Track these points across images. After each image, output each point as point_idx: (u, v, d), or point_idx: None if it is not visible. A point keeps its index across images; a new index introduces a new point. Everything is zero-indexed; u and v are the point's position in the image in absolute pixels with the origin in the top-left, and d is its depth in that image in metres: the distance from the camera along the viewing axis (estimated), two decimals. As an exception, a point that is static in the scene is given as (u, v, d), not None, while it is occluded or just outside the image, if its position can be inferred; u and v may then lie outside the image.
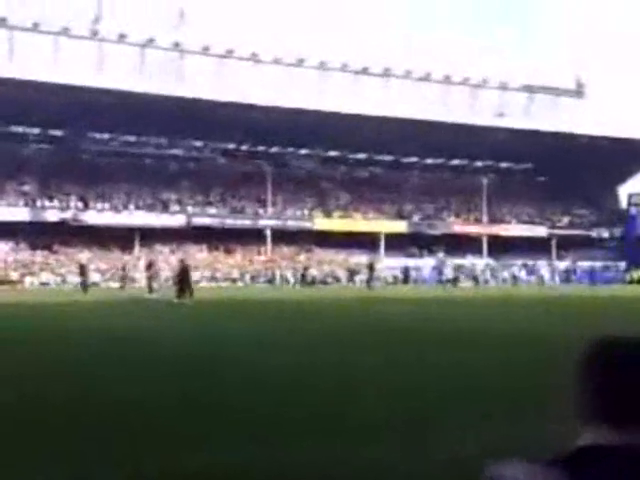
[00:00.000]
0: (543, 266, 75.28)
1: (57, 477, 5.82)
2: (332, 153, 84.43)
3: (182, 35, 71.79)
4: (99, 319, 22.85)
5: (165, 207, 69.71)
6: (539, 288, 58.96)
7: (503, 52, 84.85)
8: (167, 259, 60.28)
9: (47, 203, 65.68)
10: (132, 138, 76.84)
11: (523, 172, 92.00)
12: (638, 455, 1.59)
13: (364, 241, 70.82)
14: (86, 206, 66.36)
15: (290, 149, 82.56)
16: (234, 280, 63.76)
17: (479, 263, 74.52)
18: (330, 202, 78.05)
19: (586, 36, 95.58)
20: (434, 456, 6.19)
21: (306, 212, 75.10)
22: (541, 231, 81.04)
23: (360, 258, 68.11)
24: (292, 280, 63.74)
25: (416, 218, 78.78)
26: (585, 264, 75.84)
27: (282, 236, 70.91)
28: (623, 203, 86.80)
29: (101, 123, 69.69)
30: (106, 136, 76.17)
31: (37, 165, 68.41)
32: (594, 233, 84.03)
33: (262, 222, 71.85)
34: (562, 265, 77.04)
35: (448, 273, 67.60)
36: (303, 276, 63.08)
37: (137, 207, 68.10)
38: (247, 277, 65.01)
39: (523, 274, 73.18)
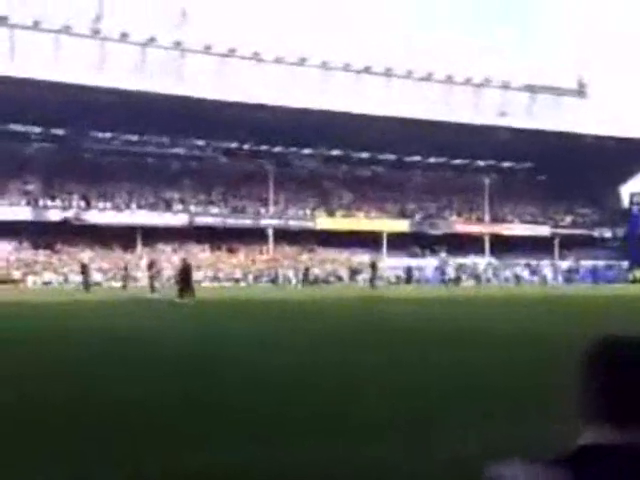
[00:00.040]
0: (546, 265, 75.28)
1: (57, 477, 5.80)
2: (334, 152, 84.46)
3: (184, 34, 71.82)
4: (101, 319, 22.84)
5: (167, 206, 69.74)
6: (541, 287, 58.95)
7: (505, 52, 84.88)
8: (169, 258, 60.29)
9: (49, 202, 65.73)
10: (134, 137, 76.93)
11: (525, 171, 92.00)
12: (639, 454, 1.58)
13: (366, 240, 70.79)
14: (88, 205, 66.42)
15: (292, 148, 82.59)
16: (237, 280, 63.77)
17: (481, 262, 74.55)
18: (332, 201, 78.06)
19: (588, 35, 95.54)
20: (436, 455, 6.17)
21: (308, 211, 75.11)
22: (544, 230, 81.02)
23: (362, 257, 68.13)
24: (294, 280, 63.75)
25: (418, 217, 78.78)
26: (588, 263, 75.84)
27: (284, 235, 70.94)
28: (626, 202, 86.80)
29: (103, 122, 69.73)
30: (108, 135, 76.27)
31: (39, 164, 68.46)
32: (597, 232, 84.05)
33: (264, 221, 71.88)
34: (565, 264, 77.04)
35: (450, 273, 67.60)
36: (305, 276, 63.09)
37: (139, 206, 68.15)
38: (250, 277, 65.01)
39: (526, 274, 73.19)
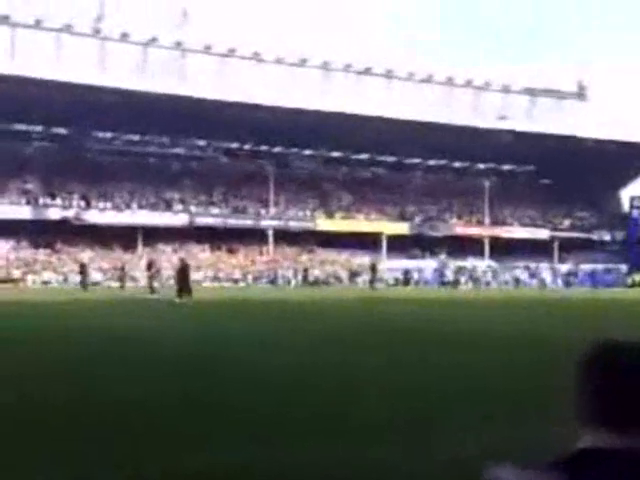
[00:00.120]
0: (545, 269, 75.26)
1: (57, 477, 5.81)
2: (334, 154, 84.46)
3: (185, 34, 71.85)
4: (99, 318, 22.83)
5: (168, 206, 69.75)
6: (540, 290, 58.93)
7: (506, 55, 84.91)
8: (170, 259, 60.22)
9: (49, 201, 65.71)
10: (135, 137, 76.94)
11: (525, 174, 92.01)
12: (638, 458, 1.58)
13: (366, 242, 70.81)
14: (88, 205, 66.40)
15: (293, 149, 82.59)
16: (236, 280, 63.75)
17: (481, 265, 74.55)
18: (332, 203, 78.06)
19: (588, 39, 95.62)
20: (436, 457, 6.18)
21: (308, 213, 75.12)
22: (543, 233, 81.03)
23: (362, 259, 68.16)
24: (293, 281, 63.74)
25: (418, 220, 78.78)
26: (587, 267, 75.80)
27: (284, 236, 70.96)
28: (625, 206, 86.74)
29: (104, 122, 69.72)
30: (109, 135, 76.28)
31: (40, 163, 68.41)
32: (596, 236, 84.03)
33: (264, 222, 71.89)
34: (564, 268, 77.00)
35: (449, 275, 67.62)
36: (305, 277, 63.06)
37: (140, 206, 68.14)
38: (249, 277, 64.99)
39: (525, 276, 73.19)
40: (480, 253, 76.28)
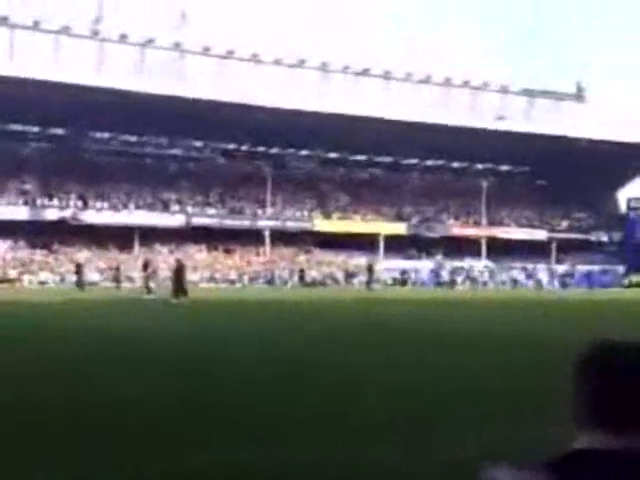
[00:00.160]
0: (542, 269, 75.27)
1: (57, 477, 5.82)
2: (332, 154, 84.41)
3: (183, 35, 71.79)
4: (96, 318, 22.81)
5: (165, 207, 69.68)
6: (537, 291, 58.93)
7: (504, 55, 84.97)
8: (166, 259, 60.14)
9: (47, 202, 65.62)
10: (132, 138, 76.86)
11: (523, 175, 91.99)
12: (634, 459, 1.58)
13: (363, 243, 70.75)
14: (86, 205, 66.33)
15: (290, 150, 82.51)
16: (233, 281, 63.69)
17: (478, 266, 74.54)
18: (329, 203, 78.03)
19: (587, 40, 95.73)
20: (436, 457, 6.20)
21: (305, 213, 75.07)
22: (540, 234, 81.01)
23: (359, 260, 68.12)
24: (290, 282, 63.67)
25: (415, 220, 78.76)
26: (584, 268, 75.82)
27: (281, 237, 70.88)
28: (622, 207, 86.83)
29: (101, 122, 69.65)
30: (106, 135, 76.20)
31: (37, 164, 68.33)
32: (593, 237, 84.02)
33: (261, 223, 71.80)
34: (561, 269, 77.00)
35: (445, 276, 67.63)
36: (301, 277, 63.00)
37: (137, 207, 68.06)
38: (246, 278, 64.90)
39: (522, 277, 73.22)
40: (477, 254, 76.26)
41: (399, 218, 78.07)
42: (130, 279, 55.26)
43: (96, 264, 60.36)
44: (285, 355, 13.39)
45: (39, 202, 65.28)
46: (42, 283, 57.28)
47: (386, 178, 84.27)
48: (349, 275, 66.77)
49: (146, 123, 68.19)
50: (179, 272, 35.17)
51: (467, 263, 73.90)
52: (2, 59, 62.33)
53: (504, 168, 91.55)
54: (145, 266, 43.32)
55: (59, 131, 73.76)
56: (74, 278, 51.97)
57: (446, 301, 37.73)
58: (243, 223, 71.39)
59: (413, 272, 70.12)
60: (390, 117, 70.78)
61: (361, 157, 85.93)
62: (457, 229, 78.85)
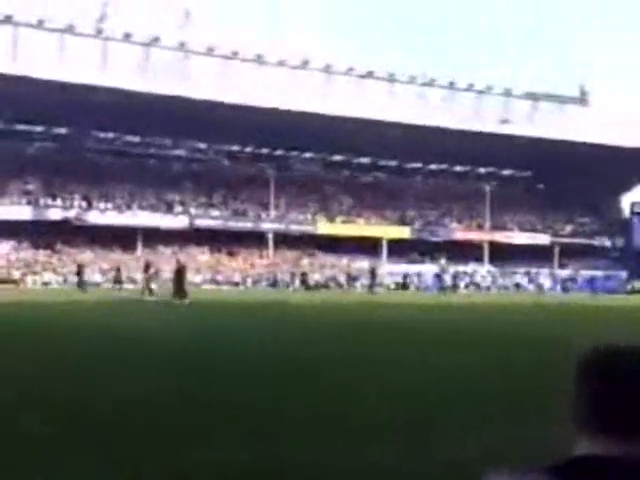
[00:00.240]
0: (545, 274, 75.16)
1: (57, 477, 5.79)
2: (336, 157, 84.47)
3: (187, 35, 71.86)
4: (96, 319, 22.82)
5: (168, 208, 69.69)
6: (539, 296, 58.80)
7: (507, 56, 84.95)
8: (169, 260, 60.10)
9: (50, 202, 65.65)
10: (136, 138, 76.93)
11: (526, 179, 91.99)
12: (635, 466, 1.55)
13: (366, 246, 70.71)
14: (89, 206, 66.35)
15: (293, 152, 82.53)
16: (235, 283, 63.63)
17: (480, 270, 74.49)
18: (333, 206, 78.02)
19: (590, 43, 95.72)
20: (436, 457, 6.17)
21: (309, 216, 75.06)
22: (543, 239, 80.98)
23: (362, 263, 68.08)
24: (292, 286, 63.56)
25: (418, 224, 78.75)
26: (587, 273, 75.67)
27: (284, 240, 70.89)
28: (626, 212, 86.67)
29: (105, 122, 69.69)
30: (110, 136, 76.28)
31: (40, 164, 68.37)
32: (596, 242, 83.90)
33: (264, 225, 71.82)
34: (564, 273, 76.88)
35: (448, 280, 67.53)
36: (303, 280, 62.93)
37: (140, 208, 68.07)
38: (249, 280, 64.83)
39: (525, 282, 73.11)
40: (480, 258, 76.24)
41: (402, 222, 78.09)
42: (133, 280, 55.23)
43: (99, 265, 60.37)
44: (285, 353, 13.37)
45: (42, 202, 65.30)
46: (45, 284, 57.27)
47: (389, 182, 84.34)
48: (352, 278, 66.69)
49: (150, 123, 68.22)
50: (180, 273, 35.15)
51: (470, 267, 73.84)
52: (6, 58, 62.38)
53: (507, 172, 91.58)
54: (146, 267, 43.22)
55: (62, 131, 73.83)
56: (76, 279, 51.98)
57: (448, 306, 37.68)
58: (246, 225, 71.42)
59: (416, 276, 70.00)
60: (394, 120, 70.82)
61: (365, 160, 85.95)
62: (460, 233, 78.82)
